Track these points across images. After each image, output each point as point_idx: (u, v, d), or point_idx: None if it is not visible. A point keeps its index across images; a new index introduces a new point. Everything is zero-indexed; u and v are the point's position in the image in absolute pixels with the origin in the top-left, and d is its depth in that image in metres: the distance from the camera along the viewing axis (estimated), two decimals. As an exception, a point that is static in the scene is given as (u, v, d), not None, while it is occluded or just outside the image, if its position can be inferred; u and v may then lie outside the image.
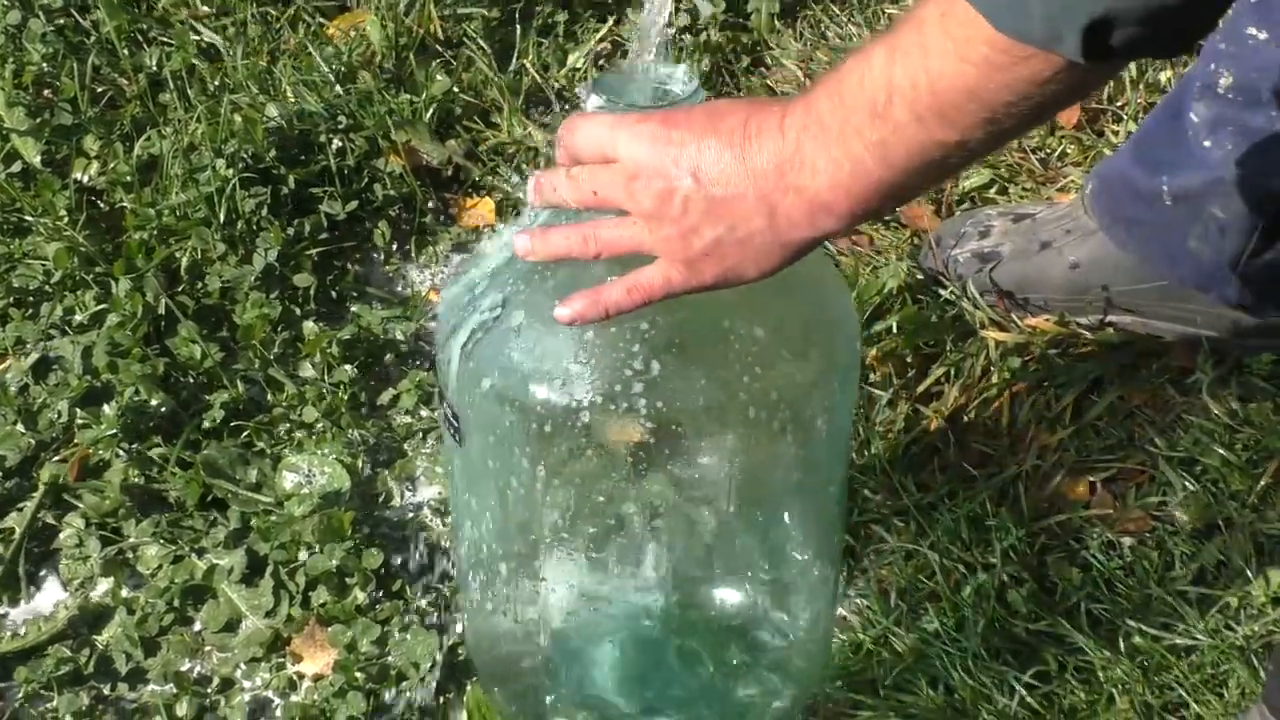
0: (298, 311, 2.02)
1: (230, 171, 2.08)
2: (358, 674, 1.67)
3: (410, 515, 1.85)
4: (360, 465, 1.87)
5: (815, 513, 1.48)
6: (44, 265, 2.06)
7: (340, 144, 2.18)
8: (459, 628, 1.72)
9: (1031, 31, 0.95)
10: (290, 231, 2.07)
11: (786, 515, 1.47)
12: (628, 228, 1.14)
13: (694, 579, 1.49)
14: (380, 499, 1.87)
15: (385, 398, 1.97)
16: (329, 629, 1.72)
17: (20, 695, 1.71)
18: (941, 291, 1.97)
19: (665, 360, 1.25)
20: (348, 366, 1.96)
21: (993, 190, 2.12)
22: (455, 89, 2.26)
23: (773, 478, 1.41)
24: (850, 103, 1.04)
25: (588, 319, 1.17)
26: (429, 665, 1.68)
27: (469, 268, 1.36)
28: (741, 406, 1.27)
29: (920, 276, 2.00)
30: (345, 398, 1.92)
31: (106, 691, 1.72)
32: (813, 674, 1.58)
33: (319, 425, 1.90)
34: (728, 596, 1.52)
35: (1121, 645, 1.67)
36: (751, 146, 1.08)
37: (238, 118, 2.15)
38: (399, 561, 1.79)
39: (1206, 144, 1.75)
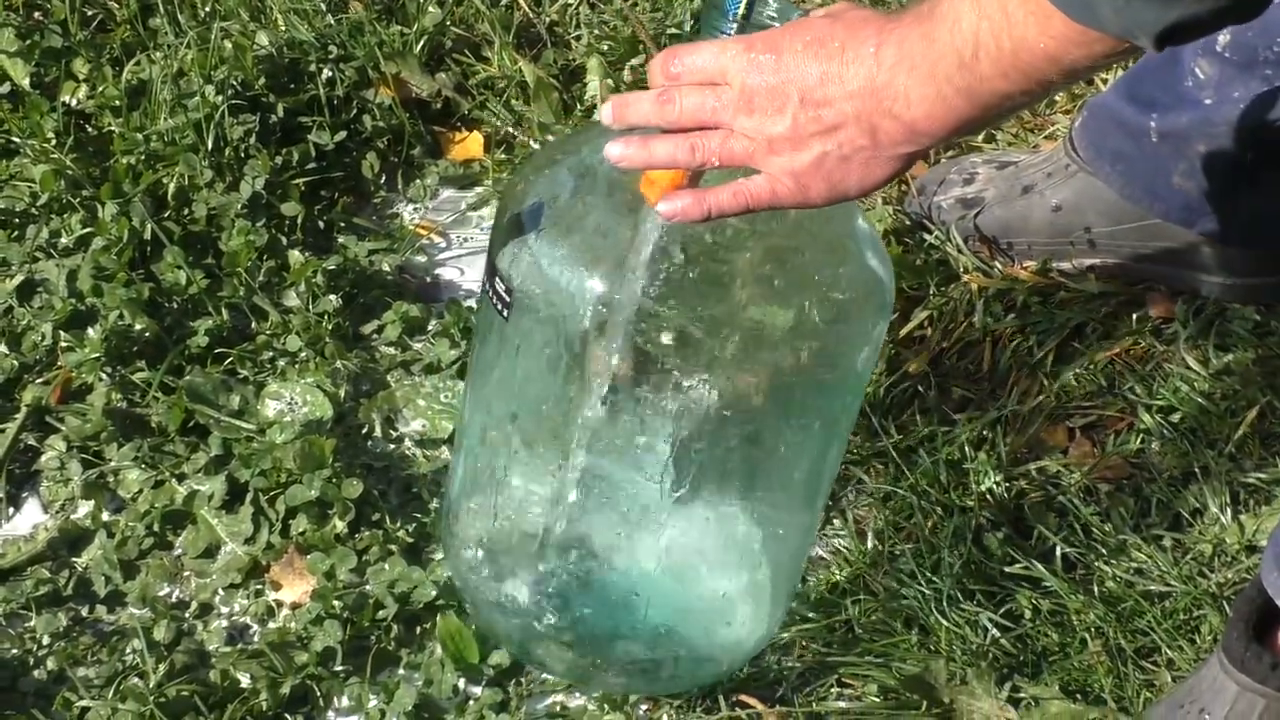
0: (284, 240, 2.02)
1: (219, 98, 2.07)
2: (335, 602, 1.67)
3: (391, 447, 1.85)
4: (343, 395, 1.87)
5: (816, 454, 1.50)
6: (30, 187, 2.06)
7: (330, 74, 2.17)
8: (438, 557, 1.72)
9: (1105, 27, 1.00)
10: (278, 160, 2.07)
11: (796, 447, 1.50)
12: (738, 140, 1.20)
13: (703, 497, 1.51)
14: (362, 430, 1.87)
15: (369, 329, 1.97)
16: (308, 557, 1.72)
17: (-1, 615, 1.72)
18: (926, 236, 1.97)
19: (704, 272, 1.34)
20: (332, 296, 1.96)
21: (979, 137, 2.12)
22: (446, 21, 2.25)
23: (792, 407, 1.46)
24: (940, 49, 1.10)
25: (689, 216, 1.23)
26: (406, 594, 1.68)
27: (561, 153, 1.43)
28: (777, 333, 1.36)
29: (907, 222, 2.00)
30: (329, 327, 1.92)
31: (85, 613, 1.73)
32: (775, 615, 1.59)
33: (302, 354, 1.90)
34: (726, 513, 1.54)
35: (1095, 590, 1.68)
36: (849, 71, 1.14)
37: (228, 44, 2.14)
38: (379, 492, 1.79)
39: (1203, 98, 1.76)
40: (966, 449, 1.78)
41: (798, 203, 1.22)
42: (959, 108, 1.12)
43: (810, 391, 1.45)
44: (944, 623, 1.64)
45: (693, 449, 1.45)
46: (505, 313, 1.38)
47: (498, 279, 1.38)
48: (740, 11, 1.25)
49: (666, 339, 1.35)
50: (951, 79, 1.10)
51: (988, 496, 1.75)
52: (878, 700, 1.61)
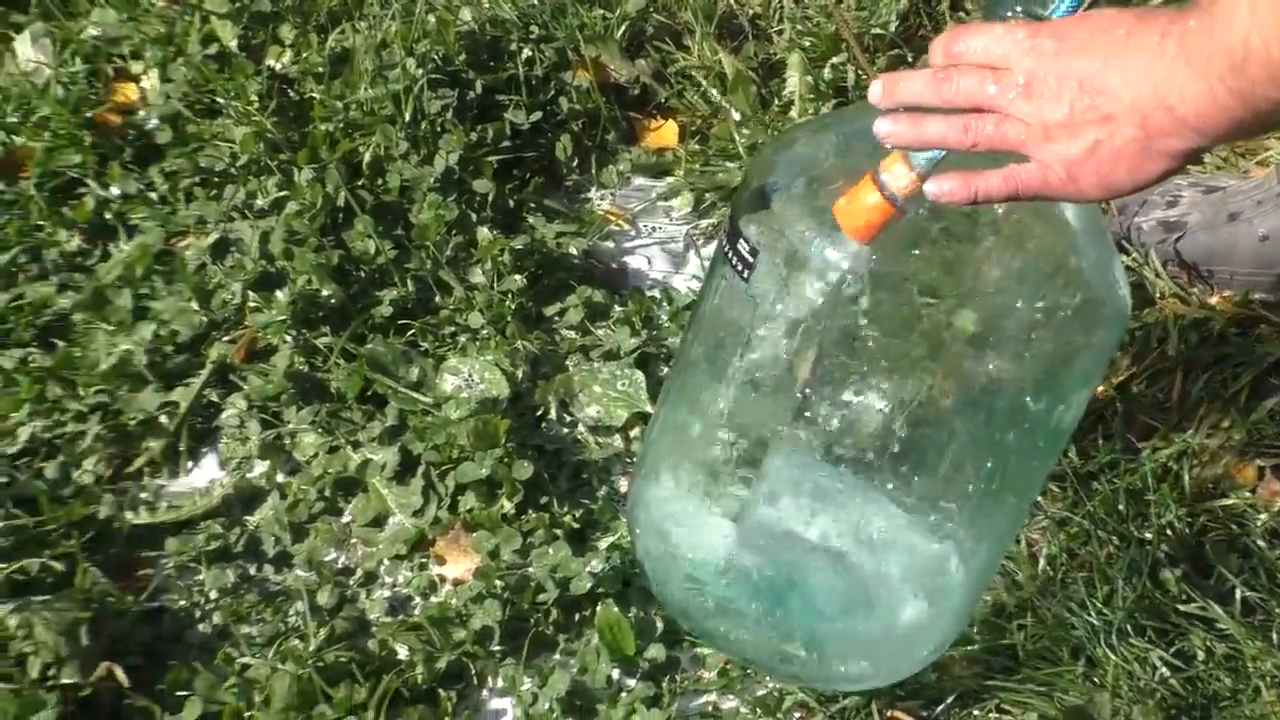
0: (474, 217, 2.03)
1: (420, 71, 2.09)
2: (497, 582, 1.68)
3: (565, 431, 1.85)
4: (520, 375, 1.87)
5: (1024, 474, 1.48)
6: (231, 148, 2.09)
7: (530, 53, 2.18)
8: (603, 545, 1.72)
9: None
10: (473, 136, 2.08)
11: (1008, 465, 1.48)
12: (1013, 125, 1.18)
13: (904, 498, 1.50)
14: (537, 412, 1.87)
15: (551, 311, 1.97)
16: (473, 535, 1.73)
17: (170, 566, 1.74)
18: (1124, 258, 1.93)
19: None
20: (517, 276, 1.96)
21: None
22: (649, 8, 2.24)
23: (1010, 426, 1.44)
24: (1216, 45, 1.08)
25: (955, 199, 1.21)
26: (567, 580, 1.68)
27: (826, 127, 1.42)
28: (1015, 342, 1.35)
29: (1104, 241, 1.96)
30: (512, 306, 1.93)
31: (252, 571, 1.75)
32: (953, 630, 1.57)
33: (484, 331, 1.91)
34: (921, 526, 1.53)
35: (1275, 637, 1.63)
36: (1130, 60, 1.13)
37: (431, 18, 2.16)
38: (549, 475, 1.79)
39: None
40: (1149, 479, 1.74)
41: (1068, 193, 1.19)
42: (1231, 109, 1.08)
43: (1030, 401, 1.42)
44: (1112, 657, 1.61)
45: (898, 450, 1.44)
46: (746, 274, 1.37)
47: (741, 240, 1.37)
48: (1028, 9, 1.24)
49: (885, 330, 1.35)
50: (1224, 79, 1.08)
51: (1168, 530, 1.71)
52: (1036, 728, 1.59)
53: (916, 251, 1.34)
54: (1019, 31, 1.18)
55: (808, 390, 1.42)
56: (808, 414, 1.44)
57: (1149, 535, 1.69)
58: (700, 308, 1.51)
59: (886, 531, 1.52)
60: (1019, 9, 1.24)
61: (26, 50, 2.23)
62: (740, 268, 1.37)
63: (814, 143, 1.42)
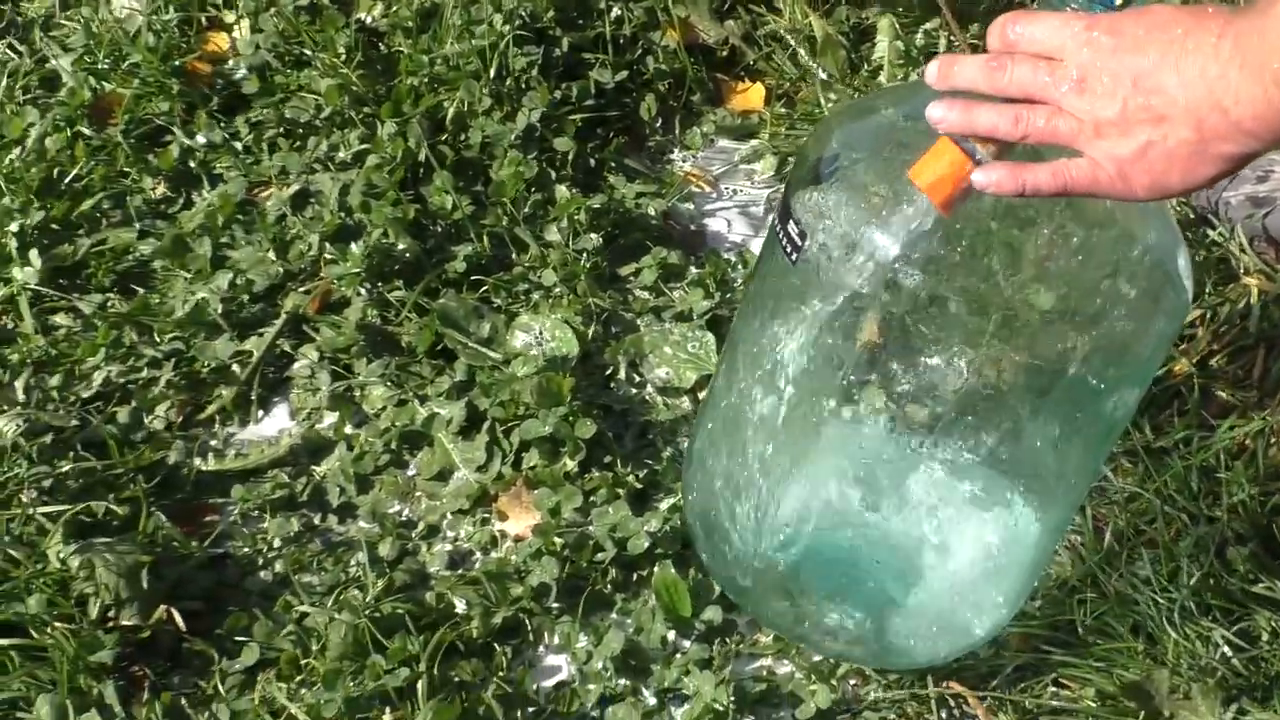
0: (553, 175, 2.03)
1: (506, 28, 2.09)
2: (556, 539, 1.68)
3: (634, 391, 1.85)
4: (591, 334, 1.87)
5: (1081, 450, 1.46)
6: (316, 100, 2.10)
7: (619, 12, 2.17)
8: (664, 506, 1.71)
9: None
10: (557, 95, 2.08)
11: (1062, 439, 1.46)
12: (1065, 119, 1.16)
13: (960, 475, 1.49)
14: (606, 371, 1.87)
15: (627, 271, 1.97)
16: (535, 492, 1.73)
17: (235, 512, 1.75)
18: (1210, 232, 1.89)
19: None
20: (594, 235, 1.96)
21: (1282, 134, 2.02)
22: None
23: (1070, 400, 1.41)
24: (1270, 44, 1.05)
25: (1003, 190, 1.19)
26: (625, 540, 1.68)
27: (874, 106, 1.41)
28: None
29: (1191, 215, 1.93)
30: (587, 265, 1.93)
31: (317, 521, 1.76)
32: (1010, 609, 1.55)
33: (557, 289, 1.91)
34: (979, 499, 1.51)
35: (1343, 620, 1.60)
36: (1186, 60, 1.10)
37: (521, -25, 2.15)
38: (614, 435, 1.79)
39: None
40: (1223, 457, 1.71)
41: (1118, 192, 1.17)
42: None
43: (1084, 386, 1.39)
44: (1173, 635, 1.58)
45: (955, 424, 1.43)
46: (794, 256, 1.36)
47: (791, 221, 1.36)
48: None
49: (943, 310, 1.32)
50: (1278, 80, 1.05)
51: (1239, 509, 1.67)
52: (1094, 705, 1.56)
53: (976, 231, 1.31)
54: (1076, 23, 1.15)
55: (865, 364, 1.40)
56: (864, 386, 1.42)
57: (1219, 513, 1.65)
58: (758, 278, 1.49)
59: (946, 505, 1.50)
60: (1079, 2, 1.21)
61: (121, -3, 2.25)
62: (789, 249, 1.35)
63: (874, 118, 1.40)
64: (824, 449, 1.48)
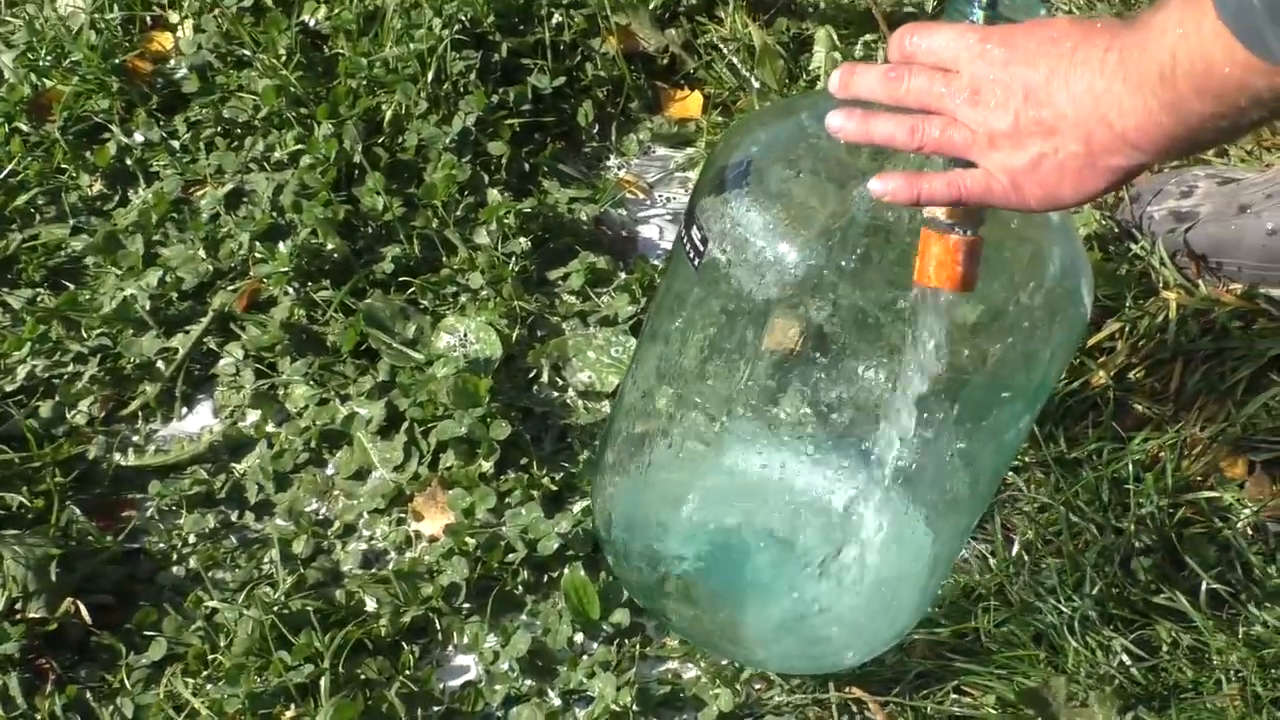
0: (486, 179, 2.04)
1: (446, 32, 2.10)
2: (468, 539, 1.68)
3: (555, 395, 1.85)
4: (516, 338, 1.87)
5: (985, 458, 1.48)
6: (254, 100, 2.11)
7: (560, 19, 2.18)
8: (576, 509, 1.72)
9: (1273, 58, 0.96)
10: (494, 99, 2.08)
11: (966, 448, 1.47)
12: (959, 130, 1.17)
13: (863, 481, 1.50)
14: (530, 374, 1.87)
15: (555, 275, 1.97)
16: (450, 492, 1.73)
17: (152, 508, 1.76)
18: (1132, 246, 1.90)
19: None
20: (523, 239, 1.96)
21: (1211, 151, 2.03)
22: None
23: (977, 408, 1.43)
24: (1149, 57, 1.07)
25: (898, 199, 1.21)
26: (535, 541, 1.68)
27: (779, 114, 1.42)
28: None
29: (1115, 229, 1.94)
30: (515, 269, 1.93)
31: (234, 518, 1.77)
32: (916, 613, 1.56)
33: (484, 292, 1.91)
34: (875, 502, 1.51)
35: (1241, 632, 1.61)
36: (1075, 73, 1.11)
37: (462, -21, 2.16)
38: (532, 437, 1.79)
39: None
40: (1134, 469, 1.71)
41: (1011, 203, 1.18)
42: (1164, 123, 1.07)
43: (989, 395, 1.41)
44: (1074, 643, 1.59)
45: (856, 435, 1.44)
46: (696, 261, 1.37)
47: (695, 227, 1.37)
48: (989, 6, 1.22)
49: (849, 320, 1.33)
50: (1156, 92, 1.06)
51: (1147, 521, 1.68)
52: (994, 712, 1.57)
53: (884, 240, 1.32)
54: (971, 35, 1.17)
55: (765, 371, 1.41)
56: (764, 394, 1.43)
57: (1127, 524, 1.66)
58: (665, 282, 1.50)
59: (851, 506, 1.51)
60: (978, 14, 1.22)
61: (66, -5, 2.25)
62: (691, 254, 1.36)
63: (779, 126, 1.41)
64: (723, 457, 1.49)
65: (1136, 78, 1.08)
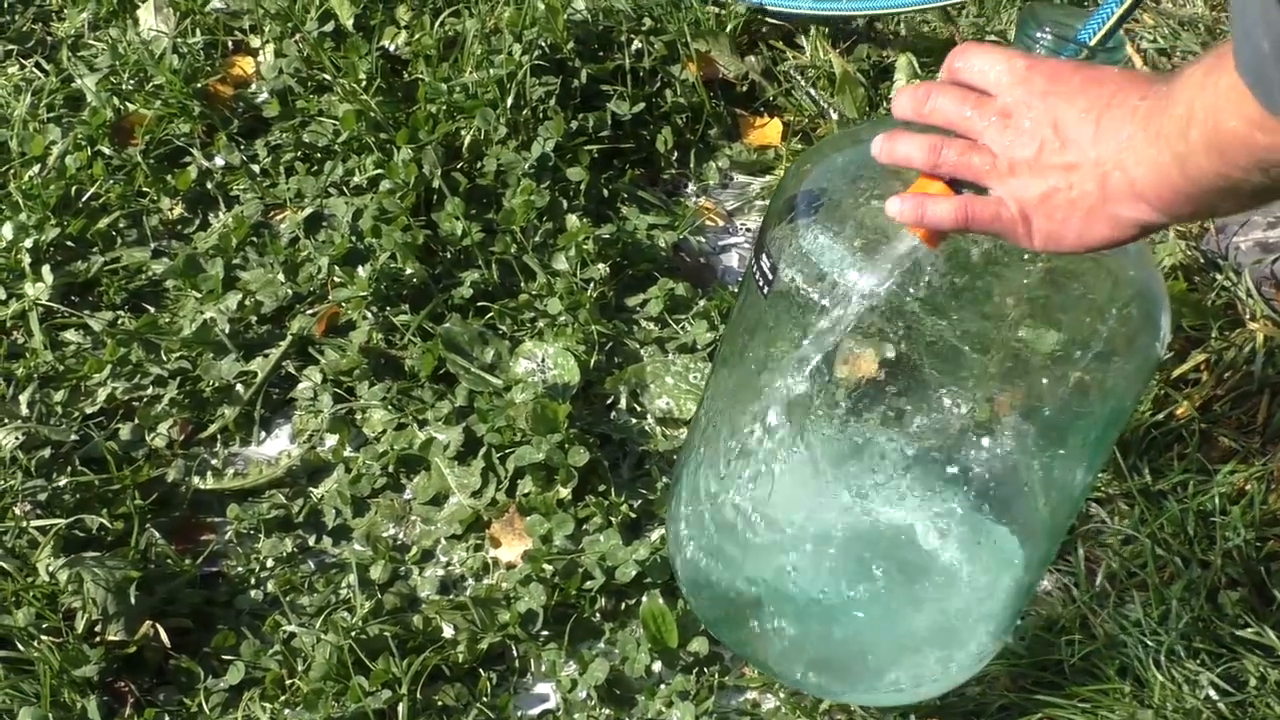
0: (565, 204, 2.03)
1: (525, 58, 2.09)
2: (546, 566, 1.68)
3: (633, 421, 1.84)
4: (594, 364, 1.87)
5: (1063, 486, 1.45)
6: (334, 125, 2.11)
7: (639, 45, 2.17)
8: (654, 537, 1.71)
9: (1276, 106, 0.93)
10: (573, 125, 2.08)
11: (1043, 477, 1.46)
12: (981, 155, 1.17)
13: (941, 512, 1.48)
14: (608, 400, 1.86)
15: (634, 301, 1.96)
16: (527, 519, 1.72)
17: (230, 532, 1.76)
18: (1218, 277, 1.88)
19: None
20: (601, 265, 1.96)
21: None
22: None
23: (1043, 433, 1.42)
24: (1172, 109, 1.05)
25: (905, 219, 1.21)
26: (614, 568, 1.67)
27: (851, 141, 1.40)
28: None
29: (1200, 260, 1.91)
30: (593, 295, 1.93)
31: (311, 542, 1.77)
32: (993, 645, 1.54)
33: (562, 318, 1.91)
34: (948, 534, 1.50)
35: (1331, 669, 1.58)
36: (1107, 115, 1.11)
37: (542, 5, 2.15)
38: (610, 464, 1.79)
39: None
40: (1220, 501, 1.69)
41: (1016, 235, 1.17)
42: (1172, 177, 1.05)
43: (1067, 419, 1.39)
44: (1160, 677, 1.56)
45: (937, 461, 1.43)
46: (765, 289, 1.36)
47: (764, 255, 1.36)
48: (1059, 35, 1.22)
49: (922, 346, 1.32)
50: (1171, 144, 1.04)
51: (1233, 554, 1.65)
52: (1078, 748, 1.55)
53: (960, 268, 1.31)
54: (1020, 61, 1.16)
55: (843, 398, 1.40)
56: (844, 420, 1.42)
57: (1213, 558, 1.64)
58: (736, 314, 1.49)
59: (928, 538, 1.49)
60: (1048, 31, 1.21)
61: (149, 18, 2.27)
62: (761, 283, 1.36)
63: (847, 153, 1.40)
64: (803, 480, 1.47)
65: (1157, 128, 1.06)
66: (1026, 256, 1.31)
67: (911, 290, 1.30)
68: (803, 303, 1.34)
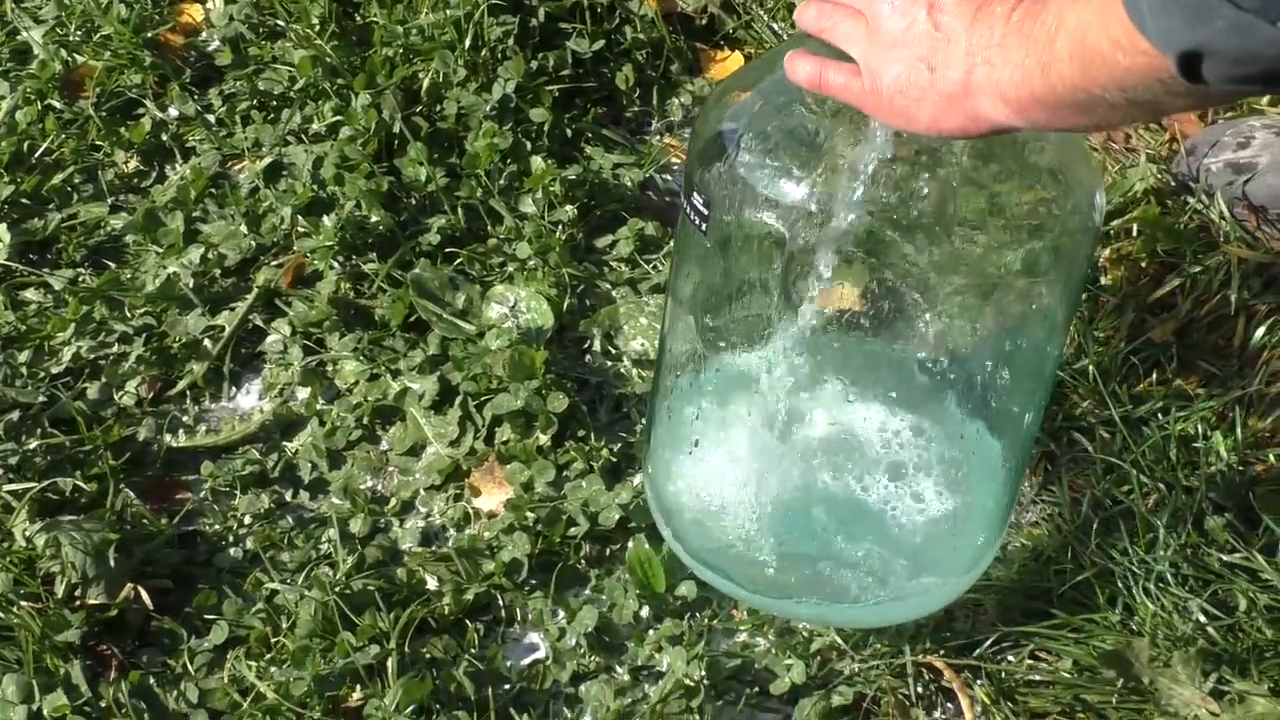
0: (528, 146, 2.00)
1: (482, -3, 2.06)
2: (528, 514, 1.66)
3: (609, 364, 1.83)
4: (566, 307, 1.85)
5: (1029, 379, 1.46)
6: (290, 72, 2.08)
7: (597, -19, 2.14)
8: (635, 481, 1.69)
9: (1144, 28, 0.91)
10: (533, 65, 2.05)
11: (1013, 368, 1.47)
12: (852, 23, 1.17)
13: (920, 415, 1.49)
14: (582, 344, 1.85)
15: (603, 243, 1.94)
16: (508, 466, 1.71)
17: (205, 489, 1.74)
18: (1190, 200, 1.87)
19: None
20: (569, 207, 1.93)
21: (1265, 100, 1.99)
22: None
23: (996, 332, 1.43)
24: (1043, 19, 1.04)
25: (794, 76, 1.22)
26: (599, 514, 1.66)
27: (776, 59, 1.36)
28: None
29: (1171, 183, 1.90)
30: (562, 237, 1.90)
31: (288, 498, 1.74)
32: (987, 552, 1.54)
33: (531, 262, 1.88)
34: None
35: (1321, 591, 1.58)
36: (985, 11, 1.09)
37: (497, -57, 2.12)
38: (588, 408, 1.77)
39: None
40: (1200, 426, 1.69)
41: (866, 104, 1.17)
42: (1034, 83, 1.04)
43: (1019, 302, 1.40)
44: (1150, 605, 1.56)
45: (910, 365, 1.44)
46: (704, 226, 1.35)
47: (695, 193, 1.35)
48: None
49: (874, 250, 1.31)
50: (1038, 49, 1.03)
51: (1218, 479, 1.65)
52: (1070, 675, 1.54)
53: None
54: None
55: (797, 322, 1.38)
56: (801, 341, 1.41)
57: (1197, 483, 1.63)
58: (677, 254, 1.48)
59: (903, 442, 1.49)
60: None
61: (93, -30, 2.22)
62: (698, 221, 1.35)
63: (766, 81, 1.36)
64: (767, 407, 1.46)
65: (1029, 30, 1.05)
66: (958, 148, 1.28)
67: (862, 195, 1.28)
68: (750, 232, 1.34)
